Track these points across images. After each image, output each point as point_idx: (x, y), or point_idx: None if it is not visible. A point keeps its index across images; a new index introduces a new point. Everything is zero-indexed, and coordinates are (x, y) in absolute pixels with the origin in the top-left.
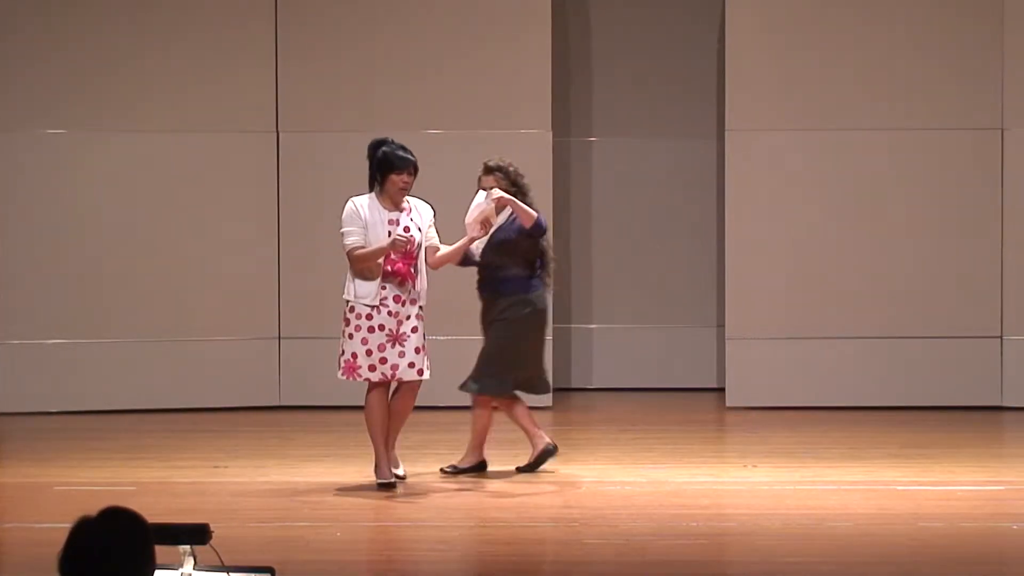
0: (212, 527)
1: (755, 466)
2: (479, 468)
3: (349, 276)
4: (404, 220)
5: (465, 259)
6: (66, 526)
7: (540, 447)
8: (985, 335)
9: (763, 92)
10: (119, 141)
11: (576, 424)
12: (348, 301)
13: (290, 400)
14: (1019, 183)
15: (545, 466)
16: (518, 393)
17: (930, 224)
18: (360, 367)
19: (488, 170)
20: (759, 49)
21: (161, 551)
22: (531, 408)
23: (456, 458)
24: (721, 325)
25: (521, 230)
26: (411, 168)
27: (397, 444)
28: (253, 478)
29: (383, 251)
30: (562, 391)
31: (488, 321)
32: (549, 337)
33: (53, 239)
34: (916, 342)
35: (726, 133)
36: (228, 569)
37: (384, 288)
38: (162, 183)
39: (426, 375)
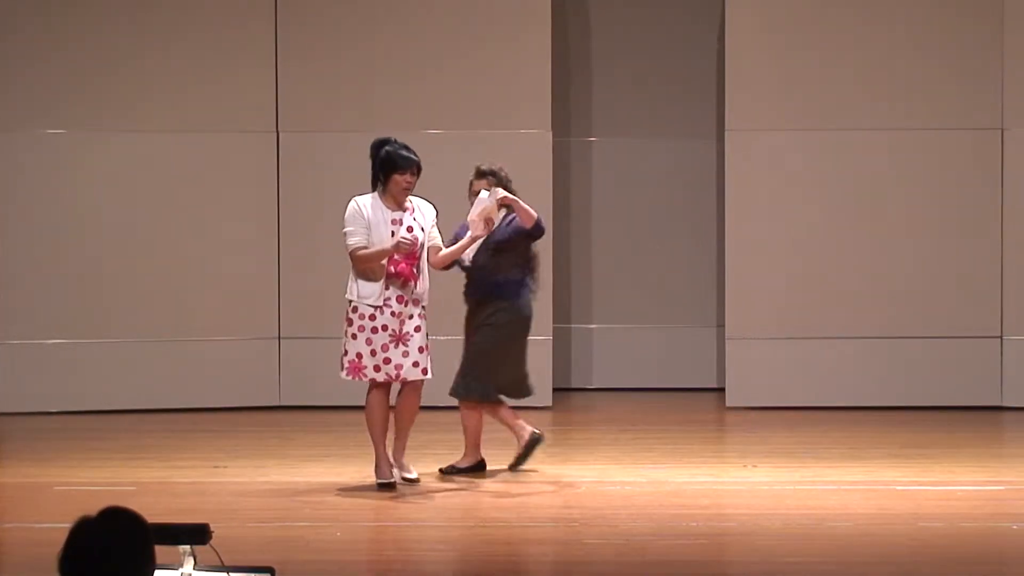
0: (212, 527)
1: (755, 466)
2: (478, 468)
3: (352, 276)
4: (407, 220)
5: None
6: (66, 526)
7: (525, 438)
8: (985, 335)
9: (763, 92)
10: (119, 141)
11: (576, 424)
12: (351, 301)
13: (290, 400)
14: (1019, 183)
15: (545, 466)
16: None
17: (930, 224)
18: (366, 367)
19: (480, 174)
20: (759, 49)
21: (161, 551)
22: (530, 408)
23: (455, 458)
24: (721, 325)
25: (520, 231)
26: (415, 168)
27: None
28: (253, 478)
29: (387, 253)
30: (562, 391)
31: (474, 325)
32: (549, 337)
33: (53, 239)
34: (916, 342)
35: (726, 133)
36: (228, 569)
37: (387, 289)
38: (162, 183)
39: (429, 375)
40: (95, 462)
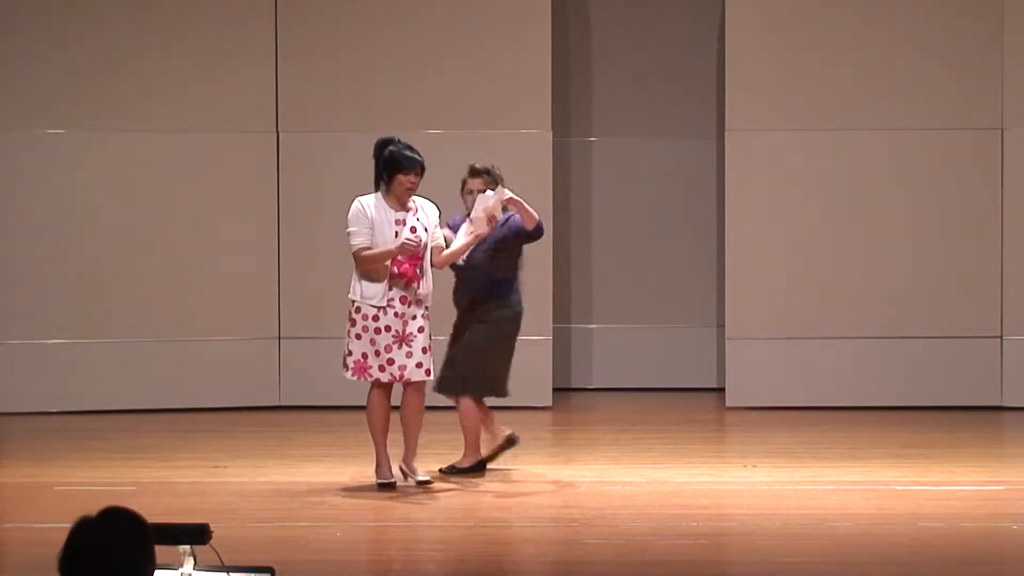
0: (212, 527)
1: (755, 466)
2: (478, 468)
3: (355, 276)
4: (411, 220)
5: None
6: (66, 526)
7: (502, 437)
8: (985, 335)
9: (763, 92)
10: (119, 141)
11: (576, 424)
12: (354, 301)
13: (290, 400)
14: (1019, 183)
15: (545, 466)
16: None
17: (930, 224)
18: (371, 367)
19: (474, 172)
20: (759, 49)
21: (161, 551)
22: (531, 408)
23: (455, 458)
24: (721, 325)
25: (519, 232)
26: (418, 168)
27: (395, 445)
28: (253, 478)
29: (391, 254)
30: (562, 391)
31: (466, 322)
32: (549, 337)
33: (53, 239)
34: (916, 342)
35: (726, 133)
36: (228, 569)
37: (391, 289)
38: (162, 183)
39: (432, 375)
40: (95, 462)
